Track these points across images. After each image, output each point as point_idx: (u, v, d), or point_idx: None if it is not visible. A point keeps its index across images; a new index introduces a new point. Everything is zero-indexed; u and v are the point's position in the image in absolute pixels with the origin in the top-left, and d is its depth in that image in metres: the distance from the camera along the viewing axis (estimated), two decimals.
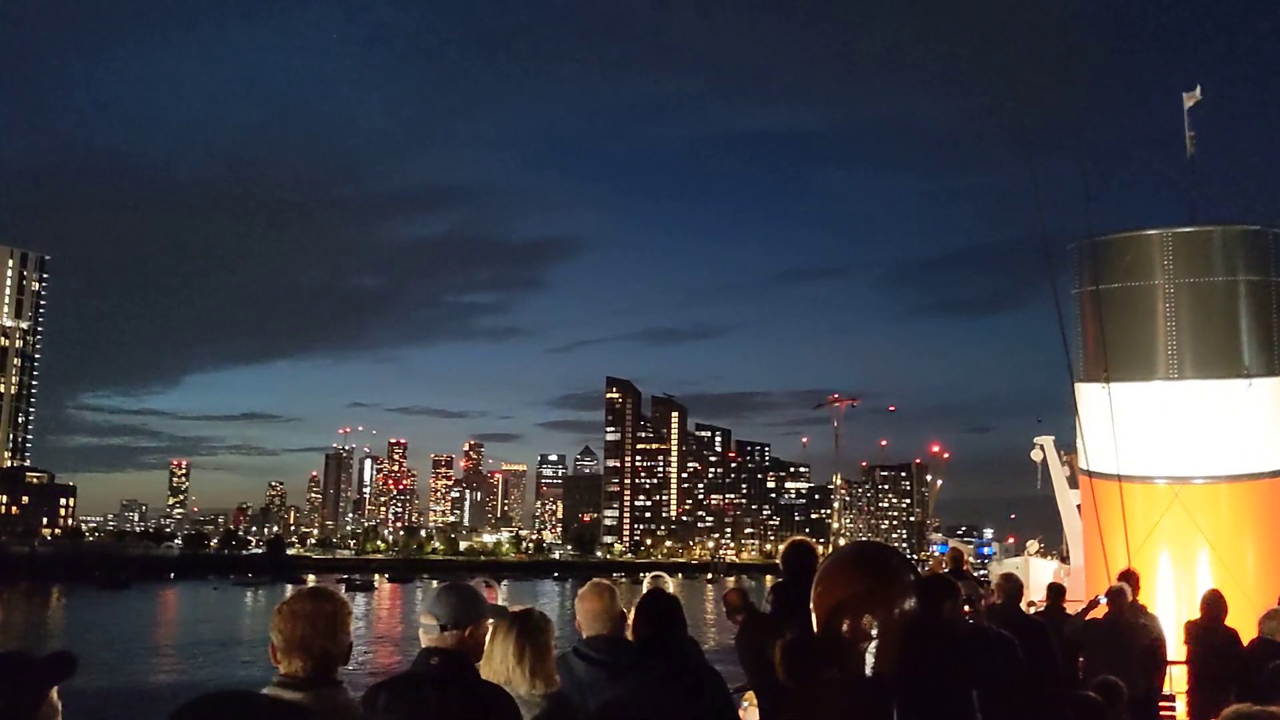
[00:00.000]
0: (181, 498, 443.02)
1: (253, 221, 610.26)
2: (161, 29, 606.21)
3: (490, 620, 4.17)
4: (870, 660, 2.43)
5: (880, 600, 2.49)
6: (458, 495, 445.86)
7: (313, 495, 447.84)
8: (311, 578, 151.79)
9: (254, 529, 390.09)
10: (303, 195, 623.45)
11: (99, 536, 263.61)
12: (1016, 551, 51.61)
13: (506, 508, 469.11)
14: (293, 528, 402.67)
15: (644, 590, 6.41)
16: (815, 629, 2.62)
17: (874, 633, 2.45)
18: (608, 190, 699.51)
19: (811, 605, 2.64)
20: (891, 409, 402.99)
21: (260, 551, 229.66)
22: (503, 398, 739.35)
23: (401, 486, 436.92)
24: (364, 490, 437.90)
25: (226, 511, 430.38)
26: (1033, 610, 13.86)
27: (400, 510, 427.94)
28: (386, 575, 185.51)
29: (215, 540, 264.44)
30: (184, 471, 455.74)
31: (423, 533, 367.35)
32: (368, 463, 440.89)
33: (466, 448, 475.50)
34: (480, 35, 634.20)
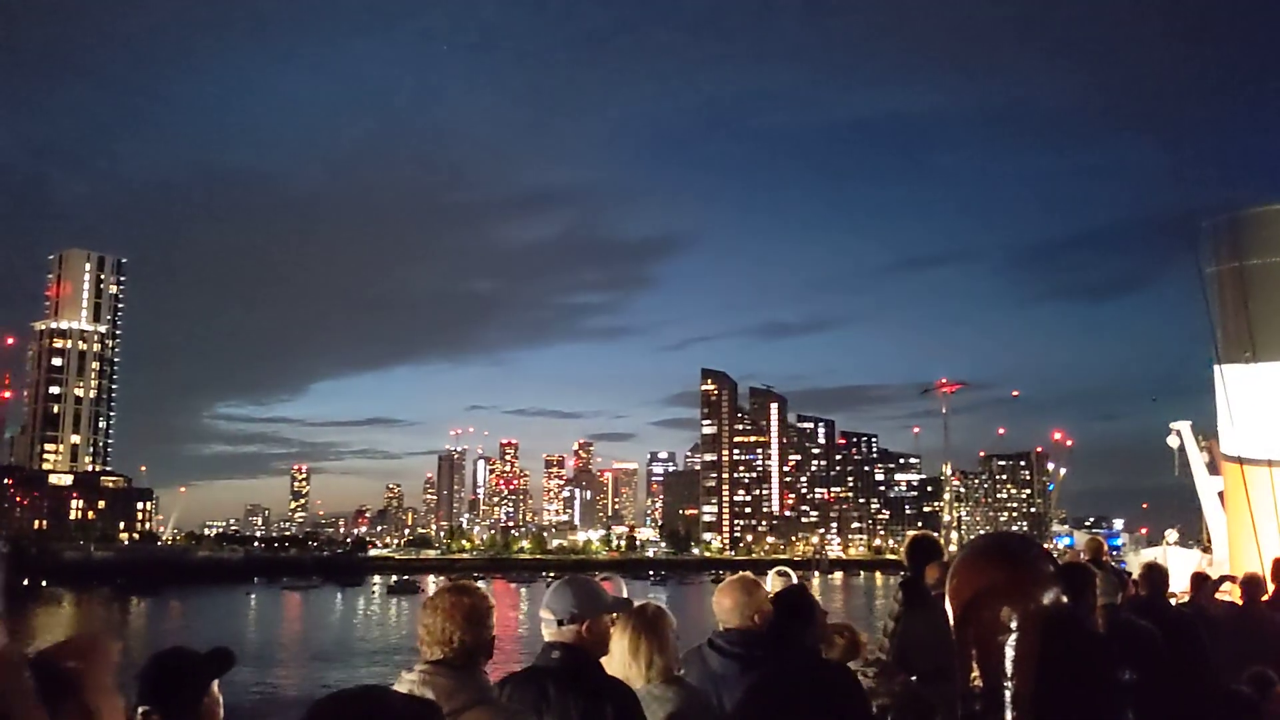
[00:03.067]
0: (303, 501, 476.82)
1: (369, 231, 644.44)
2: (277, 47, 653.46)
3: (612, 614, 4.24)
4: (1010, 654, 2.41)
5: (1018, 592, 2.47)
6: (568, 495, 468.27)
7: (428, 497, 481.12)
8: (378, 579, 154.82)
9: (374, 530, 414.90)
10: (415, 203, 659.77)
11: (214, 541, 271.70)
12: (1150, 542, 50.32)
13: (617, 506, 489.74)
14: (409, 528, 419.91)
15: (769, 587, 6.47)
16: (951, 622, 2.56)
17: (1013, 625, 2.43)
18: (716, 184, 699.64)
19: (947, 598, 2.58)
20: (1015, 394, 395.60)
21: (325, 554, 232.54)
22: (616, 397, 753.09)
23: (513, 486, 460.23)
24: (478, 491, 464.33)
25: (349, 514, 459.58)
26: (1175, 602, 13.53)
27: (512, 510, 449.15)
28: (475, 575, 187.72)
29: (310, 544, 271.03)
30: (304, 476, 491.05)
31: (515, 532, 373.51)
32: (480, 464, 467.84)
33: (576, 447, 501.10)
34: (583, 35, 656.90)
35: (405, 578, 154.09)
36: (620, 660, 4.44)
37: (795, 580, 7.63)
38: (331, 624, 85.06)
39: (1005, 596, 2.45)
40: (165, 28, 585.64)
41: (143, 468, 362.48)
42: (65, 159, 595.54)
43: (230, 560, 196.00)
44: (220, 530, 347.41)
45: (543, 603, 4.18)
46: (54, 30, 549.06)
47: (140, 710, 3.51)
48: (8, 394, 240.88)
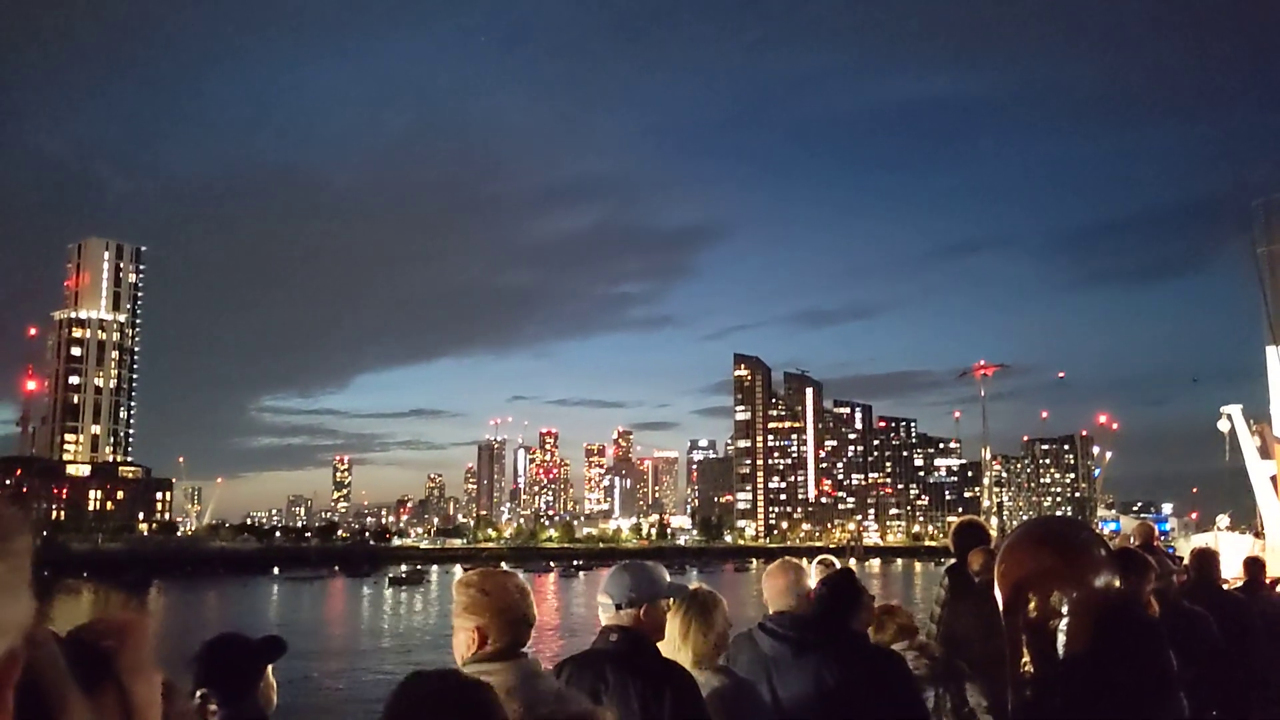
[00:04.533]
0: (345, 492, 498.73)
1: (408, 224, 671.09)
2: (316, 44, 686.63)
3: (669, 599, 4.39)
4: (1061, 639, 2.42)
5: (1069, 576, 2.46)
6: (608, 484, 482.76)
7: (469, 486, 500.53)
8: (398, 568, 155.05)
9: (415, 520, 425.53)
10: (454, 196, 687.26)
11: (267, 531, 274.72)
12: (1200, 527, 50.05)
13: (658, 495, 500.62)
14: (450, 518, 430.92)
15: (811, 574, 6.62)
16: (1000, 607, 2.59)
17: (1064, 610, 2.44)
18: (755, 172, 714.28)
19: (995, 583, 2.61)
20: (1060, 375, 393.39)
21: (341, 545, 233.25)
22: (658, 386, 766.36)
23: (552, 476, 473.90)
24: (518, 480, 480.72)
25: (391, 505, 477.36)
26: (1227, 587, 13.54)
27: (552, 499, 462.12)
28: (495, 565, 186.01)
29: (335, 534, 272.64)
30: (345, 467, 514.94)
31: (546, 520, 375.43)
32: (520, 453, 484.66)
33: (615, 435, 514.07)
34: (618, 25, 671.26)
35: (415, 568, 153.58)
36: (669, 644, 4.58)
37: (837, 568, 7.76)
38: (309, 617, 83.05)
39: (1056, 581, 2.44)
40: (207, 27, 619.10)
41: (180, 459, 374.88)
42: (110, 156, 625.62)
43: (243, 551, 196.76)
44: (262, 521, 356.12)
45: (600, 587, 4.33)
46: (100, 31, 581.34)
47: (198, 694, 3.73)
48: (33, 385, 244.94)
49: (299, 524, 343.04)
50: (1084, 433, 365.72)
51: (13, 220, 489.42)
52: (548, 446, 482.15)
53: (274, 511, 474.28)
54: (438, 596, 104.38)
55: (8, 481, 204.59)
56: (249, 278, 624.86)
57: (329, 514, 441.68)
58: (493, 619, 3.64)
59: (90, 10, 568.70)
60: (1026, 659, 2.48)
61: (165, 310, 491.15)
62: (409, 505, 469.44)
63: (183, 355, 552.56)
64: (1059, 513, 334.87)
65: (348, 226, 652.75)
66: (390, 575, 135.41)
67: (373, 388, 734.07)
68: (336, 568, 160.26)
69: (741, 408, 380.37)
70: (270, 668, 4.09)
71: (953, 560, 7.89)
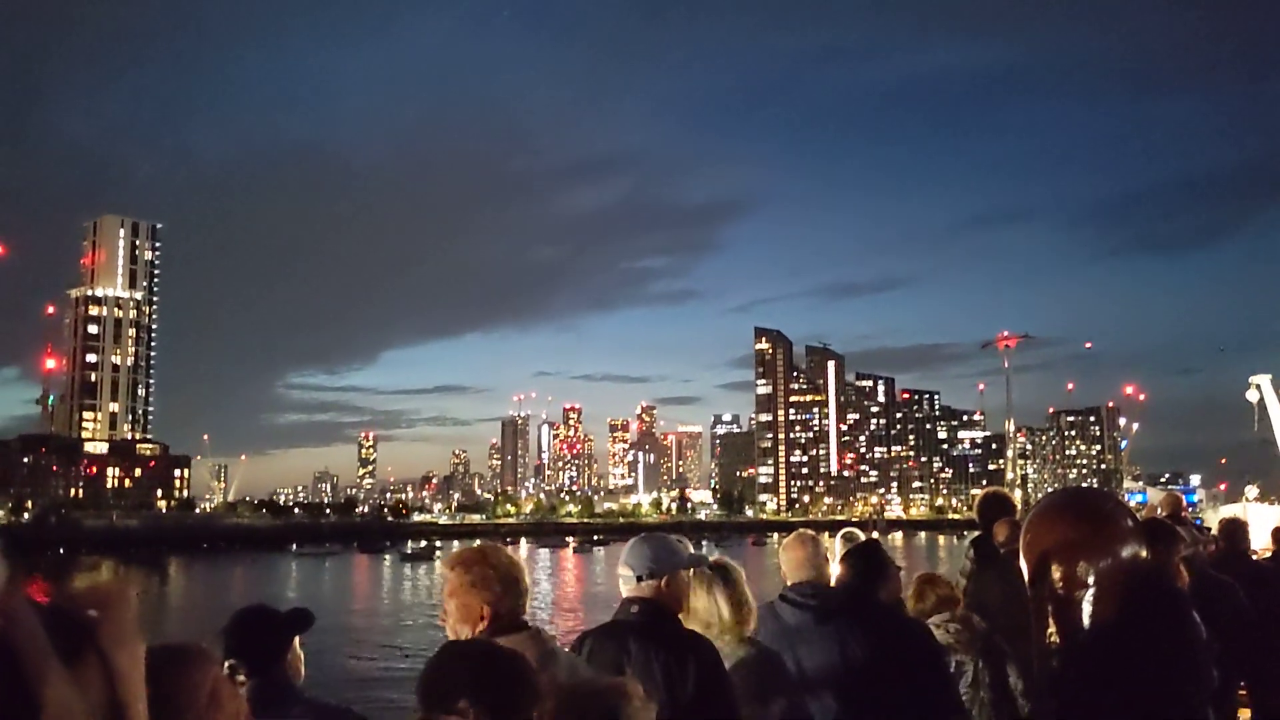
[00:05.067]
0: (370, 468, 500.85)
1: (434, 202, 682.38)
2: (338, 22, 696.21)
3: (689, 570, 4.41)
4: (1087, 609, 2.40)
5: (1095, 547, 2.45)
6: (632, 459, 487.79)
7: (493, 462, 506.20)
8: (411, 545, 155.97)
9: (440, 496, 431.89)
10: (479, 172, 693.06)
11: (293, 509, 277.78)
12: (1228, 499, 49.82)
13: (682, 469, 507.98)
14: (474, 494, 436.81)
15: (836, 547, 6.64)
16: (1026, 578, 2.58)
17: (1090, 581, 2.42)
18: (778, 145, 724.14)
19: (1021, 554, 2.60)
20: (1088, 345, 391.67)
21: (358, 520, 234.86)
22: (683, 360, 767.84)
23: (576, 451, 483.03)
24: (542, 455, 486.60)
25: (417, 480, 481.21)
26: (1256, 558, 13.49)
27: (575, 474, 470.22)
28: (508, 540, 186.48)
29: (354, 510, 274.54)
30: (371, 444, 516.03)
31: (565, 495, 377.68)
32: (545, 429, 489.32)
33: (639, 410, 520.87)
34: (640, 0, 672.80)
35: (425, 544, 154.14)
36: (693, 616, 4.61)
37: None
38: (319, 591, 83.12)
39: (1082, 551, 2.43)
40: (230, 7, 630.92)
41: (205, 436, 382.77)
42: (136, 137, 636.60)
43: (259, 527, 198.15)
44: (287, 498, 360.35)
45: (621, 559, 4.35)
46: (123, 13, 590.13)
47: (227, 664, 3.81)
48: (52, 363, 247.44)
49: (324, 500, 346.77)
50: (1110, 404, 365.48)
51: (39, 201, 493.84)
52: (571, 422, 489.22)
53: (299, 488, 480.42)
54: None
55: (25, 460, 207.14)
56: (275, 256, 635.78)
57: (354, 490, 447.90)
58: (504, 592, 3.69)
59: None
60: (1052, 629, 2.48)
61: (191, 288, 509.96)
62: (434, 481, 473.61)
63: (209, 333, 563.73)
64: (1085, 485, 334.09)
65: (373, 204, 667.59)
66: (403, 551, 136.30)
67: (399, 364, 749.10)
68: (356, 544, 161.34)
69: (762, 381, 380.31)
70: (298, 640, 4.18)
71: (978, 533, 7.92)
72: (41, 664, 1.07)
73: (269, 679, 3.93)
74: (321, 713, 4.06)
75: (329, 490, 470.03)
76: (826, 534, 8.61)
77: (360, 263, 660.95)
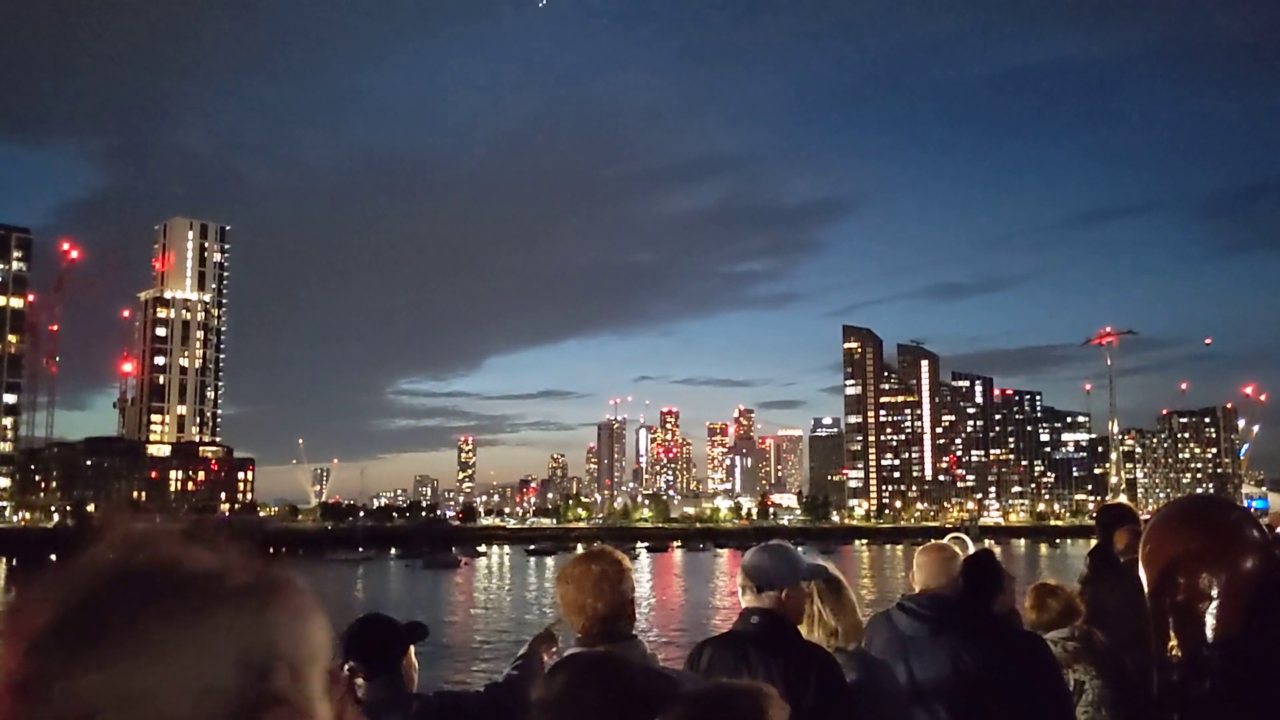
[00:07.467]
0: (470, 472, 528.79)
1: (533, 207, 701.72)
2: (442, 31, 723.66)
3: (809, 581, 4.58)
4: (1210, 622, 2.37)
5: (1219, 558, 2.41)
6: (730, 463, 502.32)
7: (590, 466, 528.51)
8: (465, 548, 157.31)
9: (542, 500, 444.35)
10: (578, 177, 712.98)
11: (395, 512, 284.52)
12: None
13: (781, 473, 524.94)
14: (571, 498, 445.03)
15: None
16: (1146, 590, 2.58)
17: (1213, 592, 2.38)
18: (879, 143, 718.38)
19: (1141, 564, 2.61)
20: (1208, 341, 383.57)
21: (418, 524, 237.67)
22: (785, 364, 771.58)
23: (672, 455, 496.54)
24: (640, 459, 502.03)
25: (515, 485, 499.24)
26: None
27: (673, 478, 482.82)
28: (577, 544, 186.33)
29: (421, 514, 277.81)
30: (470, 448, 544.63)
31: (639, 499, 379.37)
32: (642, 432, 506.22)
33: (736, 414, 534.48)
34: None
35: (450, 551, 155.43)
36: (804, 626, 4.77)
37: (969, 548, 7.86)
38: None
39: (1205, 562, 2.41)
40: (338, 20, 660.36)
41: (300, 440, 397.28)
42: (249, 150, 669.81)
43: (305, 531, 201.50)
44: (388, 501, 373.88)
45: (740, 568, 4.54)
46: (236, 29, 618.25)
47: (346, 665, 4.14)
48: (128, 366, 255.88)
49: (423, 503, 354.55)
50: (1228, 405, 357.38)
51: (157, 210, 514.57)
52: (669, 426, 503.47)
53: (399, 491, 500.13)
54: (465, 580, 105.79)
55: (88, 462, 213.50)
56: (381, 263, 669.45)
57: (454, 494, 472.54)
58: (611, 598, 3.92)
59: (227, 9, 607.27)
60: (1174, 642, 2.45)
61: (299, 296, 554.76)
62: (533, 485, 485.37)
63: (318, 340, 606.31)
64: (1199, 490, 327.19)
65: (475, 210, 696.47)
66: (425, 558, 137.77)
67: (503, 369, 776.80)
68: (369, 550, 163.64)
69: (851, 382, 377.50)
70: (413, 649, 4.51)
71: (1096, 542, 8.00)
72: None
73: (386, 683, 4.30)
74: (430, 706, 4.39)
75: (429, 493, 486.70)
76: (966, 537, 8.70)
77: (464, 268, 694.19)
